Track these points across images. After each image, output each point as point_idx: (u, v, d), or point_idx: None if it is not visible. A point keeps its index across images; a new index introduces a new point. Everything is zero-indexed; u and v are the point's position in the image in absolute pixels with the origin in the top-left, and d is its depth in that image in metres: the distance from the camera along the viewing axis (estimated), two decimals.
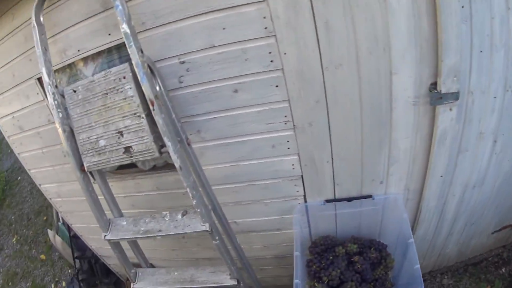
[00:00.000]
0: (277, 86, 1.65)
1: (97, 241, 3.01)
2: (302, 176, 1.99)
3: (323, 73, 1.60)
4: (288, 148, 1.87)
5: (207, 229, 1.77)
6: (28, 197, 6.19)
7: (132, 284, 2.21)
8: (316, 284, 1.98)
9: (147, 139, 1.63)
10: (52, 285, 4.43)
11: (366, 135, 1.77)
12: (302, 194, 2.08)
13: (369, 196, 2.02)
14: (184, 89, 1.75)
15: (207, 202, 1.94)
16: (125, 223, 2.01)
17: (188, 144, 1.78)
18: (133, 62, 1.45)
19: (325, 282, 1.97)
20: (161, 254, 2.87)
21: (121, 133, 1.67)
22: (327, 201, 2.07)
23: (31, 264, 4.97)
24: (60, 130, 1.70)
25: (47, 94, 1.64)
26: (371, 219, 2.12)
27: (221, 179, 2.12)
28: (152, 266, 3.16)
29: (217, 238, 1.86)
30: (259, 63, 1.59)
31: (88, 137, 1.73)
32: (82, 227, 2.92)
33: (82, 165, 1.79)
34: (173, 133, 1.61)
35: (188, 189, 1.69)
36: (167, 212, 1.94)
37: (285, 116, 1.75)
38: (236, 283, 2.01)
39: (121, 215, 2.09)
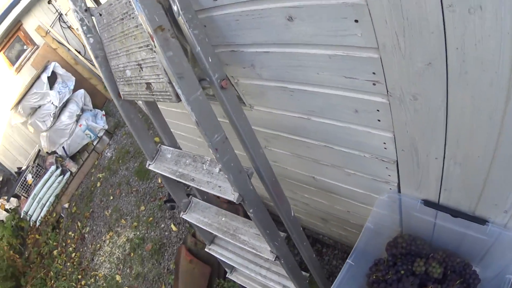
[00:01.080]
0: (356, 21, 0.85)
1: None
2: (397, 162, 1.25)
3: (443, 15, 0.72)
4: (379, 120, 1.12)
5: (234, 200, 1.33)
6: None
7: (181, 213, 2.03)
8: None
9: (162, 78, 1.16)
10: None
11: (504, 141, 0.90)
12: (396, 181, 1.35)
13: (483, 222, 1.19)
14: (220, 9, 1.11)
15: (251, 164, 1.43)
16: (169, 156, 1.73)
17: (222, 87, 1.21)
18: None
19: None
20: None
21: (140, 66, 1.25)
22: (427, 203, 1.29)
23: None
24: (92, 56, 1.47)
25: (75, 20, 1.40)
26: (475, 246, 1.36)
27: (290, 129, 1.53)
28: None
29: (251, 210, 1.40)
30: None
31: (117, 65, 1.42)
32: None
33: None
34: (190, 75, 1.09)
35: (210, 150, 1.22)
36: (209, 159, 1.54)
37: (373, 73, 0.97)
38: (273, 259, 1.60)
39: (173, 145, 1.79)
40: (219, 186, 1.43)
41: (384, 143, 1.20)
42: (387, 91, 0.99)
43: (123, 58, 1.35)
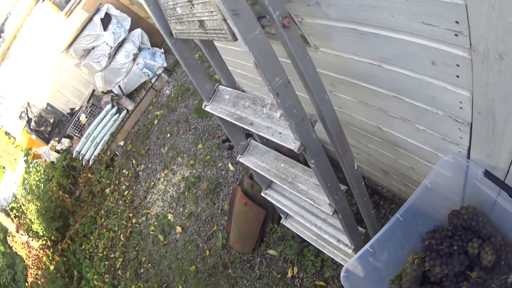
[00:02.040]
0: None
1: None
2: (471, 125, 1.23)
3: None
4: (457, 76, 1.10)
5: (295, 149, 1.40)
6: None
7: (238, 156, 2.16)
8: (416, 260, 1.48)
9: (216, 16, 1.20)
10: None
11: None
12: (467, 145, 1.34)
13: None
14: None
15: (315, 110, 1.48)
16: (227, 97, 1.81)
17: (285, 26, 1.21)
18: None
19: (424, 268, 1.47)
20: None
21: (191, 3, 1.28)
22: (487, 175, 1.27)
23: None
24: None
25: None
26: None
27: (358, 75, 1.54)
28: None
29: (312, 161, 1.48)
30: None
31: (167, 2, 1.45)
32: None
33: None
34: (247, 12, 1.11)
35: (271, 94, 1.28)
36: (270, 102, 1.61)
37: (457, 22, 0.95)
38: (331, 213, 1.69)
39: (231, 85, 1.87)
40: (280, 133, 1.50)
41: (461, 102, 1.18)
42: (471, 45, 0.97)
43: None
